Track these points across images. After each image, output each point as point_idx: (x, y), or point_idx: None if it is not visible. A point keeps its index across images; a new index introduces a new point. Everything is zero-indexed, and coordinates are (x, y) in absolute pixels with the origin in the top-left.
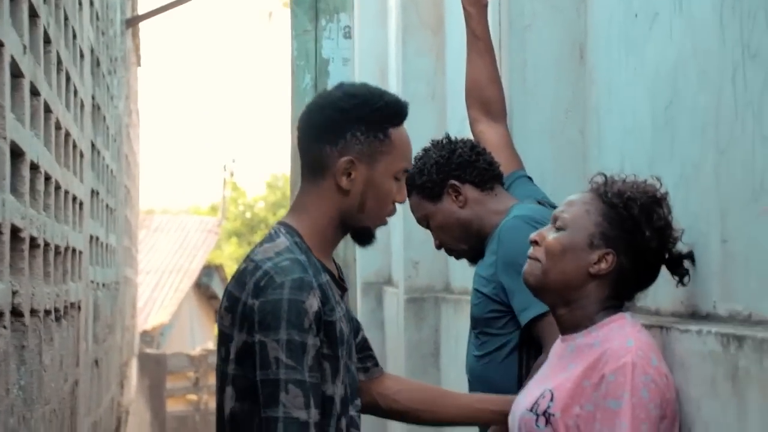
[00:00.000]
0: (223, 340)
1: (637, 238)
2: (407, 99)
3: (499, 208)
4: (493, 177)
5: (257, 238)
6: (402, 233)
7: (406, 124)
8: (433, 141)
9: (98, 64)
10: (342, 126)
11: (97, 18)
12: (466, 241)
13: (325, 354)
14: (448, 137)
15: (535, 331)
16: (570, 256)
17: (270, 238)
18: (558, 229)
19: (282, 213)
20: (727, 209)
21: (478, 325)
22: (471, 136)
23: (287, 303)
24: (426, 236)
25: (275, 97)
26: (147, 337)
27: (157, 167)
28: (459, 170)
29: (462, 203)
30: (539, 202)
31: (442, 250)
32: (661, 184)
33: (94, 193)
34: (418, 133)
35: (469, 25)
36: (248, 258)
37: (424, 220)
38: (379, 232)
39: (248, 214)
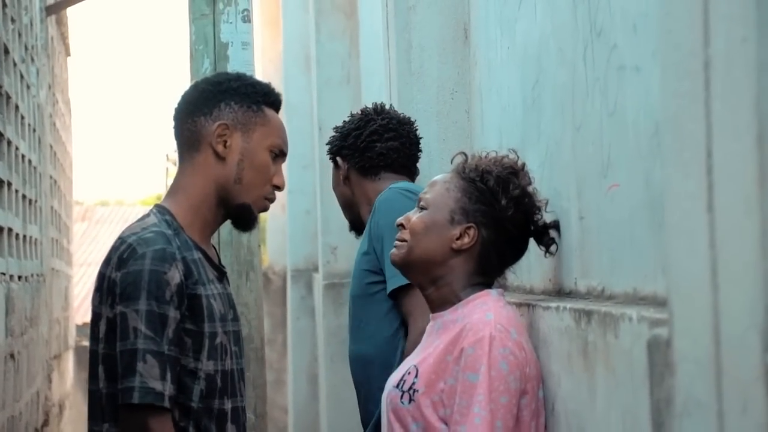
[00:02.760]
0: (95, 320)
1: (495, 209)
2: (322, 83)
3: (378, 189)
4: (382, 166)
5: None
6: (320, 219)
7: (324, 106)
8: (363, 109)
9: (6, 51)
10: (215, 96)
11: (4, 5)
12: (345, 211)
13: (187, 329)
14: (368, 111)
15: (402, 305)
16: (433, 233)
17: (141, 218)
18: (422, 209)
19: None
20: (582, 186)
21: (357, 303)
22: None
23: (148, 274)
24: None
25: None
26: (86, 329)
27: (112, 159)
28: (347, 150)
29: (344, 179)
30: None
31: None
32: (518, 157)
33: (4, 184)
34: (334, 116)
35: None
36: (117, 237)
37: None
38: (309, 218)
39: None
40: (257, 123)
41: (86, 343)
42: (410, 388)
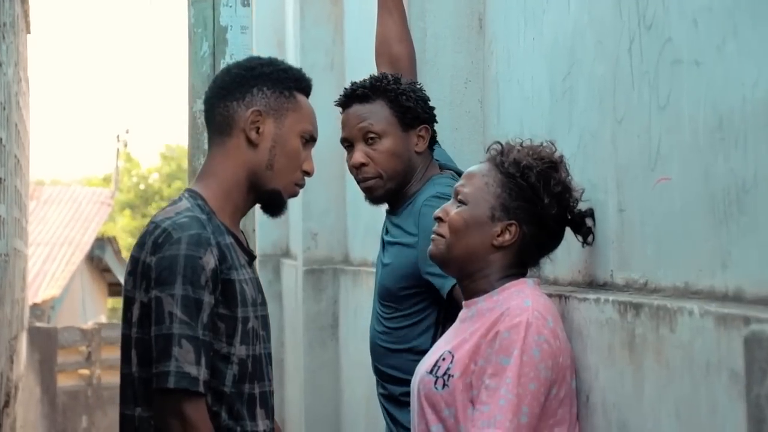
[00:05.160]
0: (128, 304)
1: (537, 206)
2: (306, 69)
3: (425, 173)
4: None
5: (152, 210)
6: (300, 204)
7: None
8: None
9: None
10: (248, 81)
11: None
12: (396, 180)
13: (220, 313)
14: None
15: (455, 297)
16: (473, 230)
17: (173, 201)
18: (460, 203)
19: (177, 185)
20: (623, 178)
21: (388, 297)
22: None
23: (184, 258)
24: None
25: (170, 67)
26: (37, 310)
27: (49, 137)
28: (432, 121)
29: (420, 150)
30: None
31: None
32: (555, 148)
33: None
34: (318, 103)
35: None
36: (150, 221)
37: (372, 135)
38: None
39: (142, 186)
40: (289, 109)
41: (39, 324)
42: (445, 373)
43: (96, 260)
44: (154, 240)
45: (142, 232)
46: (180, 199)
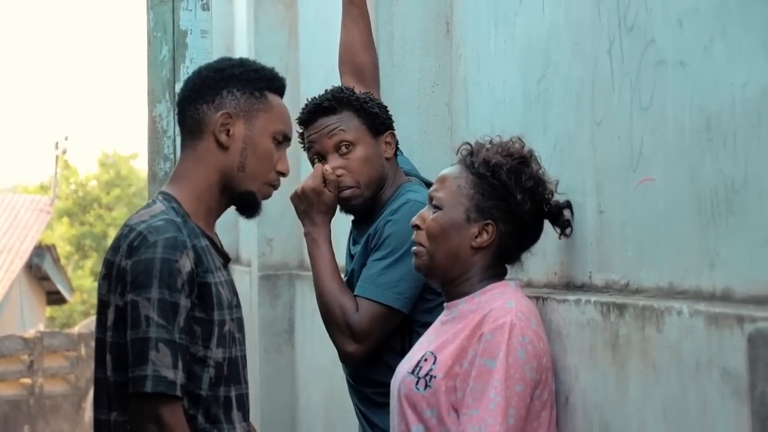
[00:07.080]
0: (102, 308)
1: (511, 203)
2: None
3: (394, 180)
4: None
5: (90, 218)
6: None
7: None
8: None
9: None
10: (218, 83)
11: None
12: (372, 189)
13: (196, 317)
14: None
15: (359, 309)
16: (451, 233)
17: (147, 205)
18: (435, 208)
19: (116, 192)
20: (603, 180)
21: None
22: None
23: (160, 262)
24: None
25: (107, 74)
26: None
27: None
28: (392, 126)
29: (389, 155)
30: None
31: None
32: (524, 143)
33: None
34: None
35: None
36: (124, 224)
37: (346, 143)
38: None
39: (80, 193)
40: (260, 110)
41: None
42: (427, 374)
43: (35, 268)
44: (129, 243)
45: (116, 236)
46: (154, 201)
